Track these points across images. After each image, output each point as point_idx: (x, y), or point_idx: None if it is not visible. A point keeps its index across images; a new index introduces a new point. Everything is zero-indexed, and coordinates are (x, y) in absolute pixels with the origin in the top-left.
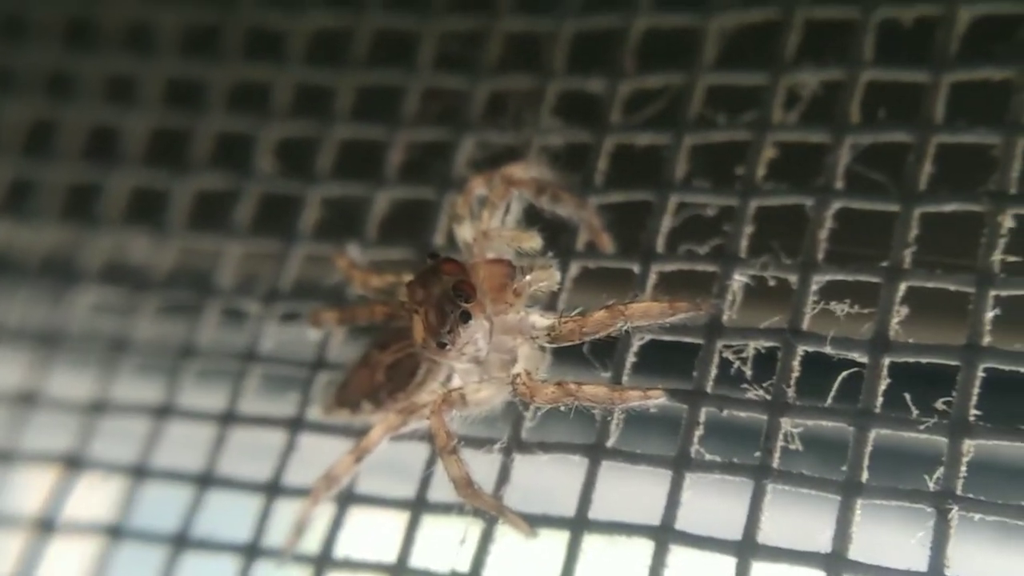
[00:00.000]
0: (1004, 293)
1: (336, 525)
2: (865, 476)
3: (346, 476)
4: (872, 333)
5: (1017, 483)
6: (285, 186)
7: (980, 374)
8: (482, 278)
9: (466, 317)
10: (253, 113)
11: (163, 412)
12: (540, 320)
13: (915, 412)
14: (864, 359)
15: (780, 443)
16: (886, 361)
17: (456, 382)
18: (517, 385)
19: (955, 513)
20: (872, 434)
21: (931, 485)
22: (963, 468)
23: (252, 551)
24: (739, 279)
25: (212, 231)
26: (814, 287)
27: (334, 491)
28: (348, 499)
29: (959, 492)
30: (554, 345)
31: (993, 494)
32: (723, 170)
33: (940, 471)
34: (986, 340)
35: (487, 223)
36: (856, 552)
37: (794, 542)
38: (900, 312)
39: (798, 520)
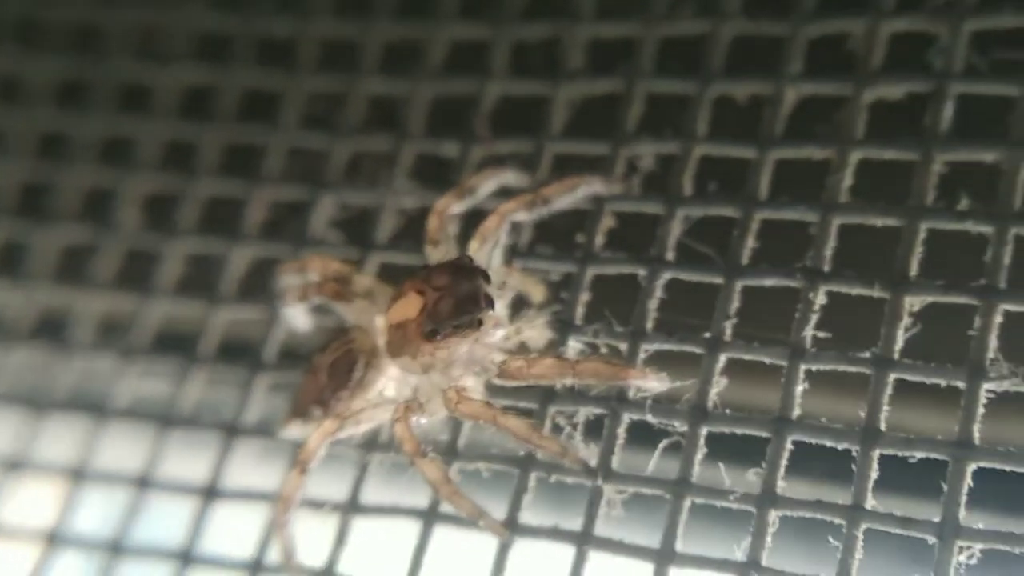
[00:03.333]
0: (815, 368)
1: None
2: (680, 545)
3: (297, 492)
4: (691, 403)
5: None
6: (147, 241)
7: (788, 446)
8: None
9: (477, 325)
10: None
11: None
12: (498, 355)
13: (728, 482)
14: (684, 428)
15: (603, 509)
16: (704, 431)
17: (389, 390)
18: (447, 393)
19: None
20: (687, 503)
21: (738, 554)
22: (768, 539)
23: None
24: (575, 345)
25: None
26: (642, 355)
27: (293, 512)
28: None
29: (764, 563)
30: (499, 381)
31: None
32: (565, 238)
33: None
34: (795, 413)
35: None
36: None
37: None
38: (719, 382)
39: None
